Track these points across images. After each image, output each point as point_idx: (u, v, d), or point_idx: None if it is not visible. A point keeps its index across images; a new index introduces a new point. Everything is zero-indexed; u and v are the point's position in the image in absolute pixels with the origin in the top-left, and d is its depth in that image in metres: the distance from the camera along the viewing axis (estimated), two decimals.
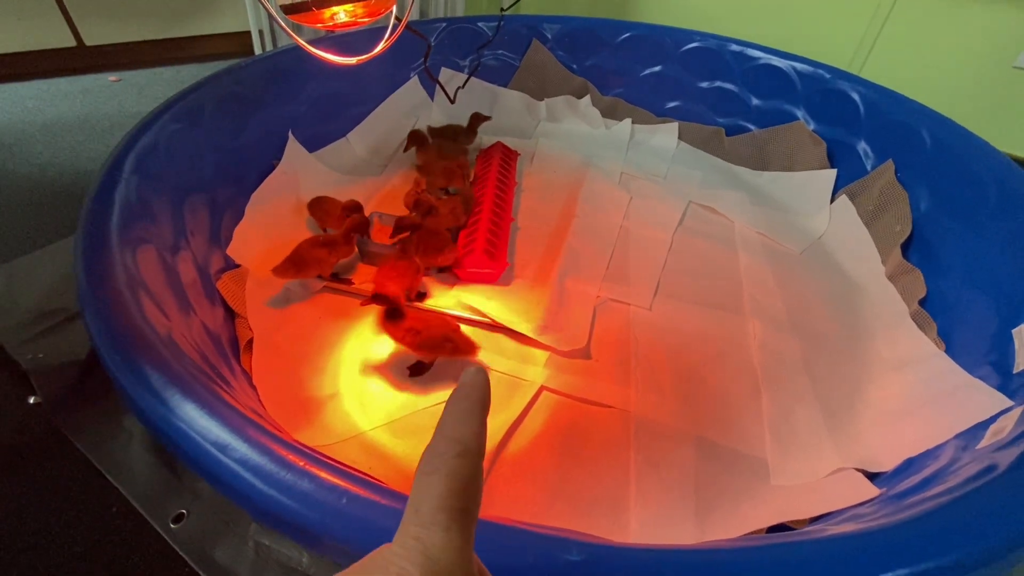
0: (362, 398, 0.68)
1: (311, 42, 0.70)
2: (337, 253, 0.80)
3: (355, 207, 0.86)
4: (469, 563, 0.17)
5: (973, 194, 0.81)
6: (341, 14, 0.49)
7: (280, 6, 0.48)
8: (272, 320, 0.76)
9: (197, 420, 0.39)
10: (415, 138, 1.08)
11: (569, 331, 0.78)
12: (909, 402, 0.67)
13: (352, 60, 0.51)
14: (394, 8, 0.57)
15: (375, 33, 0.61)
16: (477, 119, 1.12)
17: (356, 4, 0.49)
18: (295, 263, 0.77)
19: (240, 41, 1.84)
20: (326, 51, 0.55)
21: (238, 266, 0.81)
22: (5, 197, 1.16)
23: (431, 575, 0.16)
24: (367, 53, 0.65)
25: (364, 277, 0.84)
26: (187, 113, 0.82)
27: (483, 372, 0.21)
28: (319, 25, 0.50)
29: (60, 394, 0.69)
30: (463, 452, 0.18)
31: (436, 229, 0.83)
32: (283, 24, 0.49)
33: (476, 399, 0.20)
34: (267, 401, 0.64)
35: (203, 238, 0.78)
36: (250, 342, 0.72)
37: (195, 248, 0.74)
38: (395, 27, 0.57)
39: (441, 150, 1.03)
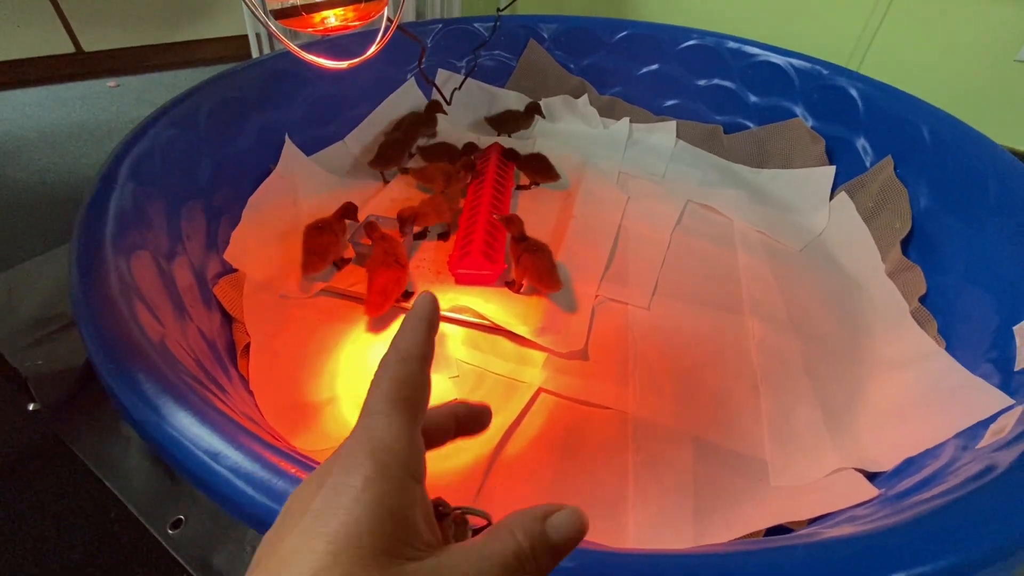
0: (359, 402, 0.67)
1: (305, 46, 0.70)
2: (338, 235, 0.82)
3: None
4: (412, 445, 0.19)
5: (973, 190, 0.80)
6: (331, 18, 0.49)
7: (271, 11, 0.48)
8: (269, 324, 0.76)
9: (189, 428, 0.38)
10: (432, 108, 1.13)
11: (567, 332, 0.77)
12: (909, 401, 0.66)
13: (343, 64, 0.51)
14: (386, 10, 0.56)
15: (369, 35, 0.61)
16: (433, 107, 1.14)
17: (346, 8, 0.49)
18: (317, 254, 0.79)
19: (237, 45, 1.84)
20: (318, 55, 0.55)
21: (235, 271, 0.81)
22: (4, 204, 1.17)
23: (374, 453, 0.18)
24: (361, 55, 0.65)
25: (358, 278, 0.83)
26: (183, 118, 0.82)
27: (431, 295, 0.24)
28: (309, 30, 0.50)
29: (59, 401, 0.69)
30: (405, 357, 0.21)
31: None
32: (274, 29, 0.48)
33: (422, 315, 0.23)
34: (264, 407, 0.64)
35: (200, 243, 0.78)
36: (247, 347, 0.72)
37: (191, 253, 0.74)
38: (387, 29, 0.57)
39: (439, 169, 1.04)
